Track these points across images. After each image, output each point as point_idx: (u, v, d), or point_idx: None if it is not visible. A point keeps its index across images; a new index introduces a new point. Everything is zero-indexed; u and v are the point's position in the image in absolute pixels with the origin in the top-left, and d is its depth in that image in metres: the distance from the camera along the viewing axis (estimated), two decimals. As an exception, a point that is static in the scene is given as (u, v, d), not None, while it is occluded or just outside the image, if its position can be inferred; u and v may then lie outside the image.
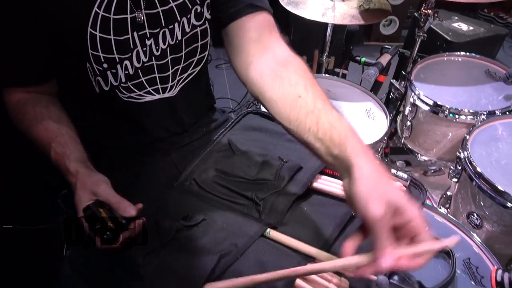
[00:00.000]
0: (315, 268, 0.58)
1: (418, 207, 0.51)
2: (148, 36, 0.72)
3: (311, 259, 0.65)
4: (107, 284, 0.64)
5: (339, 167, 0.58)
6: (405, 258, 0.50)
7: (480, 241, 0.82)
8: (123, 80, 0.73)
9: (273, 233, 0.69)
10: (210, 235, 0.68)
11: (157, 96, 0.79)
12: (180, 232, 0.68)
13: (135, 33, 0.70)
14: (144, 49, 0.72)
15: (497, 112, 1.18)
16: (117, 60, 0.71)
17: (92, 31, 0.66)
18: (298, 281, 0.63)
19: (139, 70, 0.74)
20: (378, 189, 0.52)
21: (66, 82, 0.76)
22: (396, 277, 0.71)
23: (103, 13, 0.66)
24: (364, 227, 0.53)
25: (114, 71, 0.71)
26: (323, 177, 0.83)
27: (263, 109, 1.22)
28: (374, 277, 0.64)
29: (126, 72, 0.73)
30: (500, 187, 0.92)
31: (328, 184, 0.82)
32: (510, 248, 0.94)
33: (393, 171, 0.85)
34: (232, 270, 0.63)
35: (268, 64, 0.71)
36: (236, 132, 0.93)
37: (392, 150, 1.66)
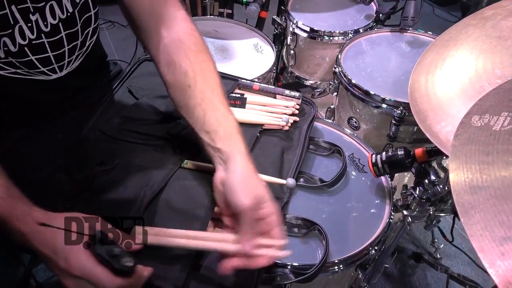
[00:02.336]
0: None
1: (276, 208, 0.58)
2: (32, 10, 0.63)
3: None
4: None
5: (216, 159, 0.63)
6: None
7: (359, 138, 1.00)
8: (2, 56, 0.64)
9: (190, 163, 0.74)
10: (129, 175, 0.69)
11: (53, 76, 0.72)
12: (98, 178, 0.68)
13: (13, 7, 0.61)
14: (30, 25, 0.64)
15: (360, 30, 1.37)
16: None
17: None
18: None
19: (26, 48, 0.66)
20: (249, 184, 0.58)
21: None
22: (302, 179, 0.86)
23: None
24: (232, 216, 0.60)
25: None
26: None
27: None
28: (284, 181, 0.76)
29: (6, 48, 0.64)
30: (370, 91, 1.11)
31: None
32: (381, 140, 1.17)
33: (287, 91, 0.96)
34: (159, 199, 0.67)
35: (163, 44, 0.70)
36: (134, 80, 0.93)
37: (284, 85, 1.80)
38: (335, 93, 1.26)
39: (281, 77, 1.79)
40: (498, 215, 0.31)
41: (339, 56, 1.22)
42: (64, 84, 0.76)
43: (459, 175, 0.35)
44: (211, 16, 1.56)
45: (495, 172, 0.34)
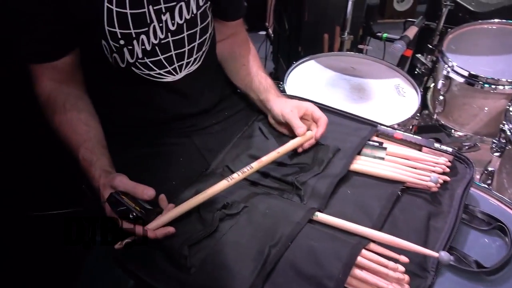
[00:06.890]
0: None
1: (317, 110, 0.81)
2: (164, 11, 0.72)
3: (366, 240, 0.63)
4: (151, 276, 0.61)
5: (264, 107, 0.88)
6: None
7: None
8: (140, 55, 0.74)
9: (321, 216, 0.67)
10: (254, 223, 0.66)
11: (177, 77, 0.81)
12: (223, 221, 0.66)
13: (150, 7, 0.71)
14: (161, 25, 0.73)
15: (538, 79, 1.12)
16: (134, 35, 0.71)
17: (109, 5, 0.68)
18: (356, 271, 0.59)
19: (156, 47, 0.75)
20: (286, 103, 0.83)
21: (82, 60, 0.77)
22: (452, 257, 0.68)
23: None
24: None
25: (131, 47, 0.72)
26: (362, 157, 0.81)
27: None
28: (436, 254, 0.61)
29: (143, 47, 0.73)
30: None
31: (366, 164, 0.79)
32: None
33: (437, 145, 0.82)
34: (283, 259, 0.60)
35: (230, 50, 0.94)
36: (266, 119, 0.91)
37: (419, 128, 1.60)
38: (497, 153, 1.04)
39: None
40: None
41: (510, 109, 1.00)
42: (183, 89, 0.84)
43: None
44: (348, 52, 1.48)
45: None
